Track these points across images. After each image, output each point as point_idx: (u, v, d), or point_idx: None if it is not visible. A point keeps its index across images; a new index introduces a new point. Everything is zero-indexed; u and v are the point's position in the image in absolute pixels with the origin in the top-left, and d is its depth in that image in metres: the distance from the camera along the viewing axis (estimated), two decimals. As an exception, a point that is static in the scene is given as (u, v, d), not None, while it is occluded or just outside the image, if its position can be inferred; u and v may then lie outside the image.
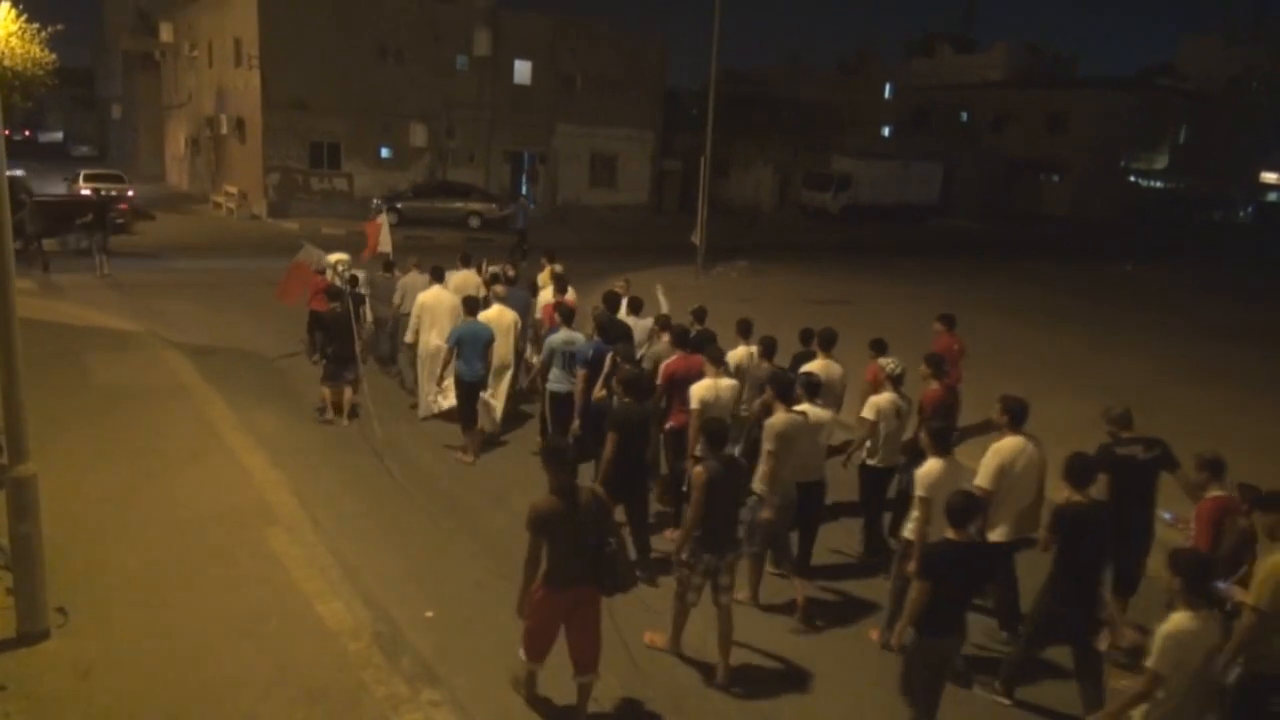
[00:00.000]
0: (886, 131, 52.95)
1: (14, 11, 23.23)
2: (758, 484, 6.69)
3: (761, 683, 6.12)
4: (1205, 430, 10.24)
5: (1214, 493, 5.86)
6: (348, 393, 10.70)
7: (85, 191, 29.27)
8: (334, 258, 12.82)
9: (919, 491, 6.01)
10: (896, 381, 7.55)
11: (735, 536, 6.20)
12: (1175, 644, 4.33)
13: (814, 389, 7.14)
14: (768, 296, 15.56)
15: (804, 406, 6.95)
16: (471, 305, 9.86)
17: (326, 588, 6.81)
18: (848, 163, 44.44)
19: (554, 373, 9.05)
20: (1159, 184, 51.48)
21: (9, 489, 5.76)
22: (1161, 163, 52.82)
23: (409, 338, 10.77)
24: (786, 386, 6.90)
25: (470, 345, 9.49)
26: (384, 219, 14.19)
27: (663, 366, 8.21)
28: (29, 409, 5.77)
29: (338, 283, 11.89)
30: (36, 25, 24.09)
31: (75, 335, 13.62)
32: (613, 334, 8.94)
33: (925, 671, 5.20)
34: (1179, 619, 4.36)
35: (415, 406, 11.03)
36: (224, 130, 35.27)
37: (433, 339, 10.42)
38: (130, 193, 28.52)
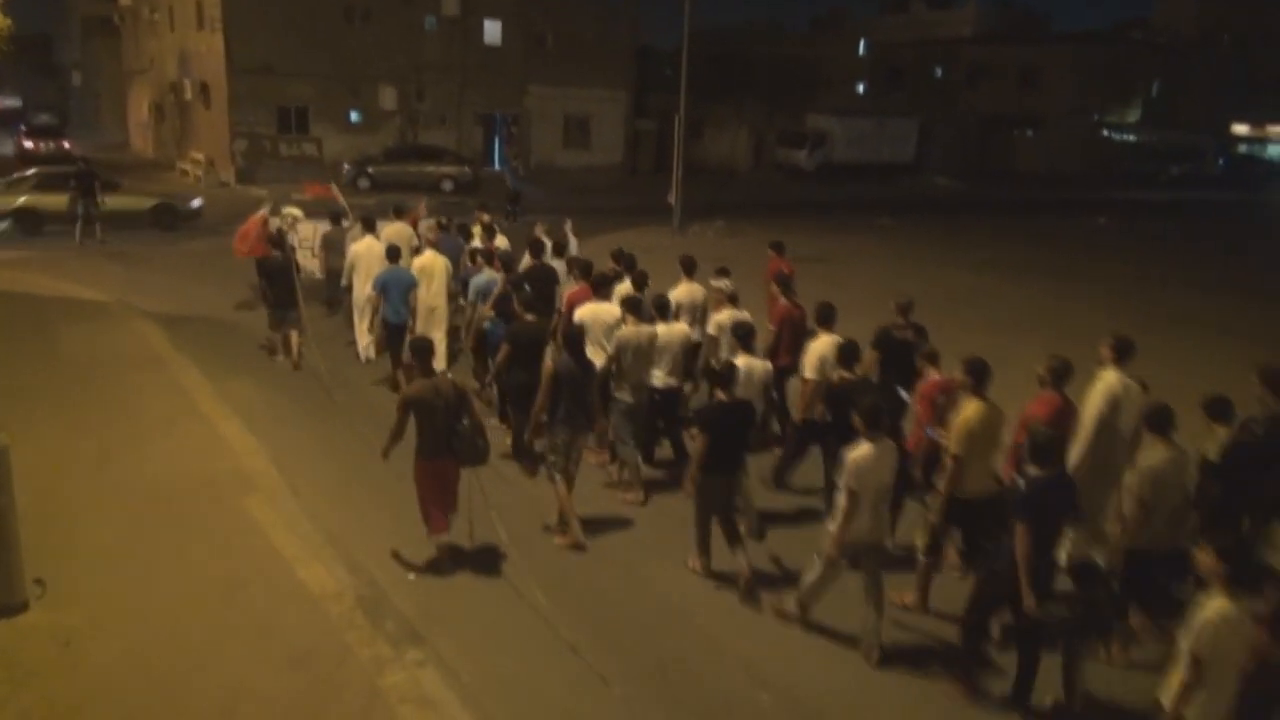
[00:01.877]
0: (861, 89, 52.71)
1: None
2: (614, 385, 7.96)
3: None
4: (1178, 377, 10.39)
5: (933, 376, 6.92)
6: (293, 335, 11.25)
7: (27, 145, 29.16)
8: (286, 210, 13.54)
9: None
10: (733, 300, 8.61)
11: (587, 420, 7.34)
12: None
13: (663, 309, 8.32)
14: (744, 255, 15.50)
15: (659, 325, 8.12)
16: (394, 253, 10.53)
17: (307, 552, 6.81)
18: (822, 120, 44.21)
19: (480, 311, 9.70)
20: (1131, 138, 51.58)
21: (-19, 461, 5.69)
22: (1134, 116, 52.92)
23: (344, 283, 11.47)
24: (634, 304, 8.05)
25: (394, 290, 10.09)
26: (333, 186, 15.09)
27: (566, 295, 9.28)
28: (0, 379, 5.69)
29: (285, 234, 12.39)
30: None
31: (44, 306, 13.43)
32: (534, 275, 9.81)
33: (707, 500, 6.61)
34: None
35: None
36: (188, 96, 34.53)
37: (362, 286, 11.01)
38: (67, 145, 28.42)
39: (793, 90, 45.09)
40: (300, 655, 5.58)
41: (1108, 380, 6.42)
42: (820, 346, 7.65)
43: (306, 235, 13.43)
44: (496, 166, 36.40)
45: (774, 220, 27.22)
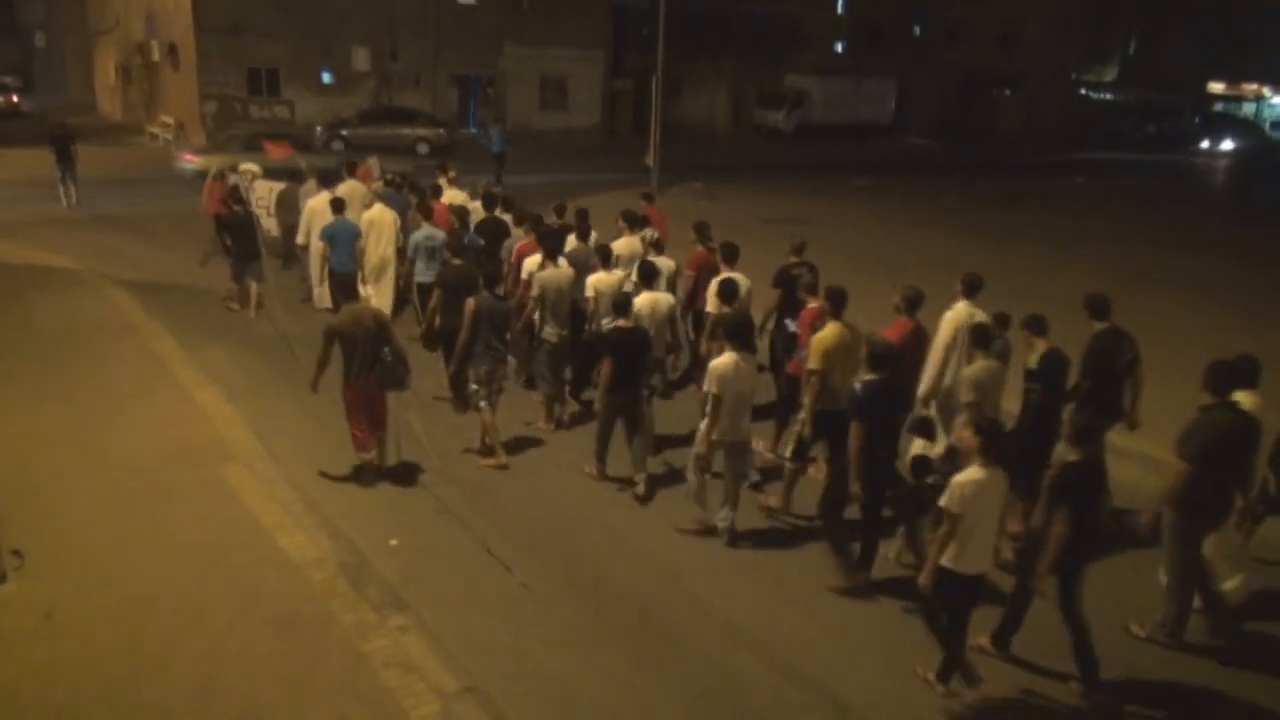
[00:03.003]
0: (840, 48, 52.25)
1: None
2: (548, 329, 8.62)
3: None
4: (1162, 335, 10.50)
5: (812, 304, 7.66)
6: (254, 286, 11.84)
7: None
8: (244, 167, 13.80)
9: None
10: (658, 248, 9.53)
11: (504, 356, 8.08)
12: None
13: (605, 258, 8.88)
14: (724, 217, 15.46)
15: (600, 272, 8.69)
16: (338, 205, 10.98)
17: (289, 520, 6.81)
18: (801, 81, 43.87)
19: (419, 265, 10.25)
20: (1108, 96, 51.60)
21: (-47, 432, 5.63)
22: (1111, 75, 52.92)
23: (300, 239, 11.77)
24: (550, 247, 8.78)
25: (340, 240, 10.69)
26: (289, 145, 15.97)
27: (516, 247, 9.78)
28: (-32, 350, 5.62)
29: (243, 190, 12.79)
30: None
31: (14, 274, 13.21)
32: (486, 228, 10.54)
33: (610, 414, 7.55)
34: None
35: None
36: (156, 57, 33.79)
37: (318, 240, 11.20)
38: (15, 99, 28.47)
39: (772, 49, 44.65)
40: (283, 622, 5.61)
41: (957, 311, 7.34)
42: (716, 285, 8.32)
43: (262, 195, 13.37)
44: (472, 129, 35.93)
45: (752, 182, 27.14)
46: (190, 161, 21.93)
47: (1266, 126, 53.48)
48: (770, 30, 44.92)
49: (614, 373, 7.34)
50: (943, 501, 5.11)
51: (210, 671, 5.15)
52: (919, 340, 7.30)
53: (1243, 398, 5.92)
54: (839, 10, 52.99)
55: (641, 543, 6.98)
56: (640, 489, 7.55)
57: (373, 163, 14.31)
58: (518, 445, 8.45)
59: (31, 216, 17.86)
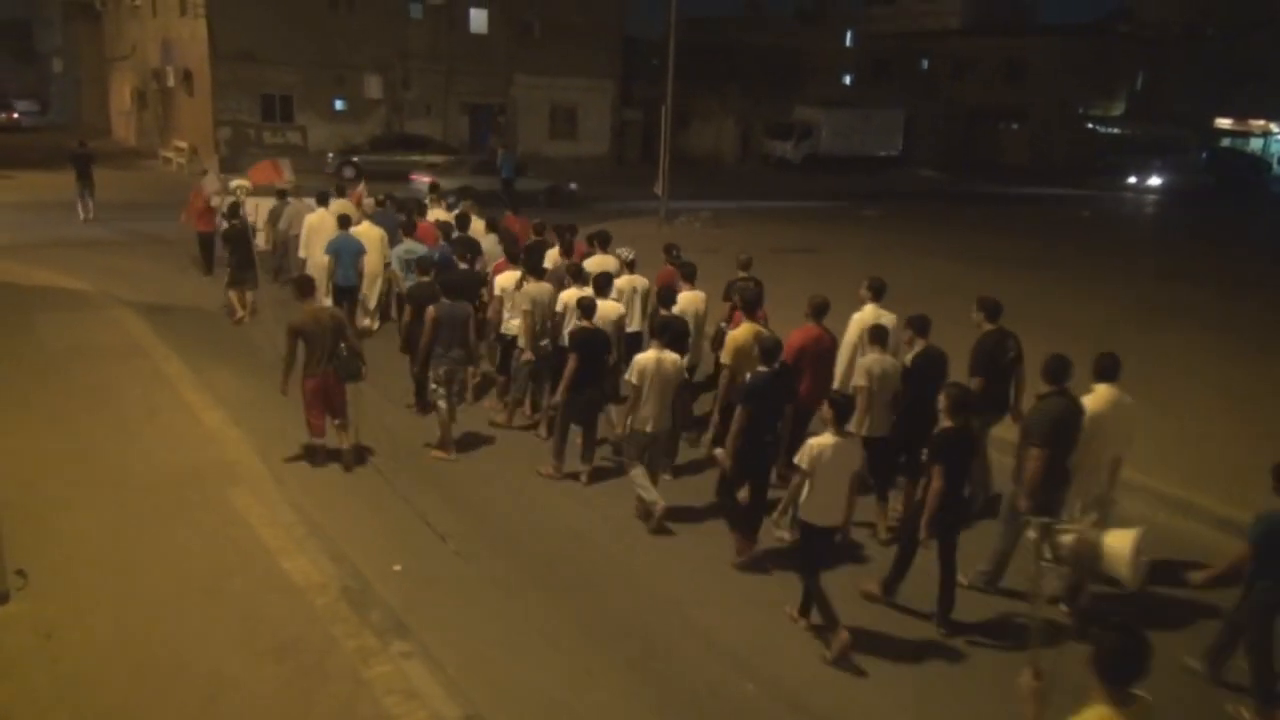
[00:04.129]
0: (848, 80, 52.67)
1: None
2: (521, 340, 9.01)
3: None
4: (1162, 371, 10.49)
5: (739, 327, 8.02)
6: (249, 295, 12.67)
7: None
8: (236, 183, 15.02)
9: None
10: (630, 266, 9.91)
11: (466, 358, 8.65)
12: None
13: (578, 276, 9.27)
14: (731, 246, 15.46)
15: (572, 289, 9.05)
16: (344, 221, 11.78)
17: (292, 544, 6.78)
18: (809, 112, 44.16)
19: (400, 276, 11.05)
20: (1116, 130, 51.80)
21: (-40, 451, 5.64)
22: (1119, 109, 53.13)
23: (301, 253, 12.48)
24: (530, 264, 9.22)
25: (345, 254, 11.38)
26: (280, 163, 16.09)
27: (493, 266, 10.32)
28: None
29: (240, 203, 13.72)
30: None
31: (25, 295, 13.28)
32: (460, 245, 10.87)
33: (570, 412, 8.11)
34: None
35: None
36: (171, 83, 34.19)
37: (318, 254, 11.95)
38: (15, 115, 29.57)
39: (779, 81, 45.01)
40: (284, 646, 5.56)
41: (864, 313, 8.07)
42: (683, 299, 8.98)
43: (249, 211, 14.13)
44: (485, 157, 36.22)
45: (760, 212, 27.25)
46: (422, 182, 23.88)
47: (1276, 162, 53.53)
48: (778, 62, 45.34)
49: (577, 370, 7.84)
50: (796, 459, 5.89)
51: (210, 695, 5.11)
52: (821, 343, 7.90)
53: (1104, 390, 6.51)
54: (847, 43, 53.50)
55: (642, 570, 6.93)
56: (585, 479, 8.23)
57: (363, 187, 15.40)
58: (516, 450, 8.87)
59: (43, 238, 18.00)
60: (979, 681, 5.83)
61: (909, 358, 7.53)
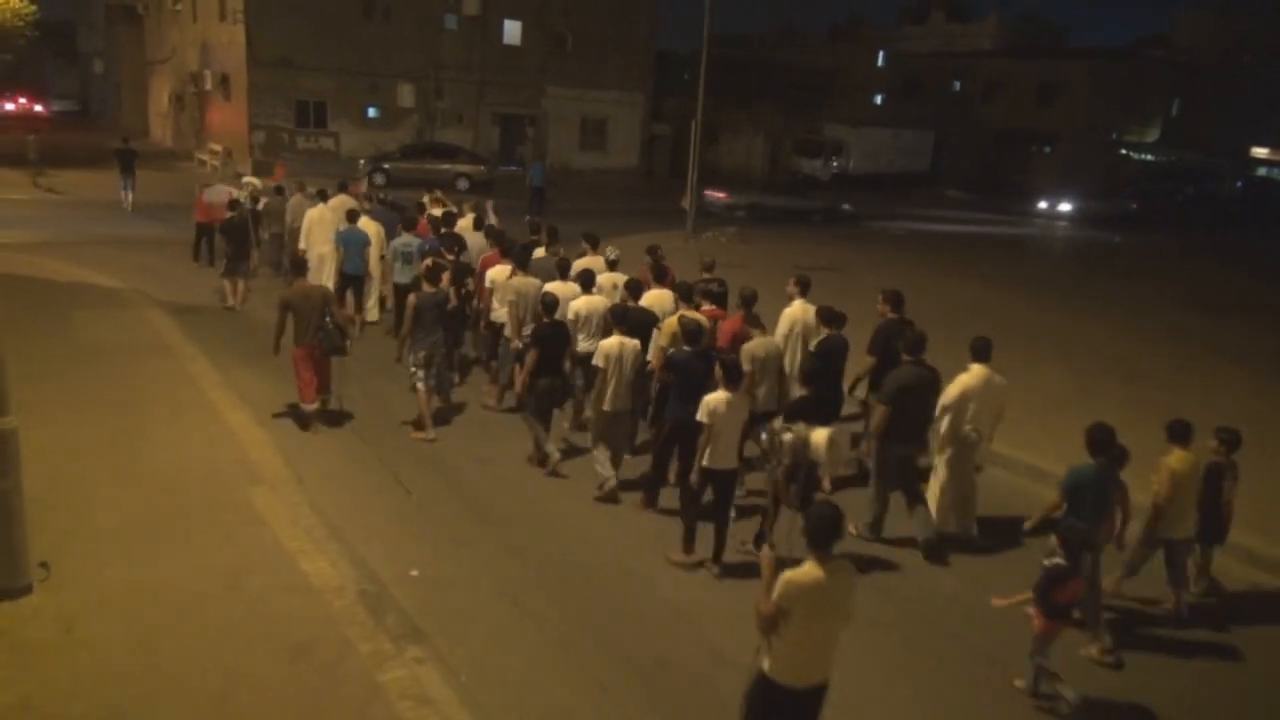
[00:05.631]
0: (878, 99, 52.57)
1: (-8, -37, 22.85)
2: (508, 329, 9.70)
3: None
4: (1188, 399, 10.35)
5: (705, 307, 9.06)
6: (241, 284, 13.47)
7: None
8: (246, 180, 16.16)
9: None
10: (613, 265, 10.49)
11: (442, 343, 9.35)
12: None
13: (564, 270, 9.83)
14: (757, 262, 15.50)
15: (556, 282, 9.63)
16: (352, 215, 12.60)
17: (311, 545, 6.82)
18: (839, 130, 44.11)
19: (396, 266, 11.85)
20: (1148, 156, 51.29)
21: (-11, 443, 5.72)
22: (1153, 135, 52.63)
23: (301, 245, 13.14)
24: (519, 259, 9.92)
25: (351, 245, 12.27)
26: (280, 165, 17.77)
27: (481, 259, 11.06)
28: (10, 363, 5.71)
29: (243, 199, 14.66)
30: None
31: (60, 291, 13.50)
32: (447, 239, 11.61)
33: (536, 399, 8.59)
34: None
35: None
36: (208, 86, 34.69)
37: (317, 246, 12.89)
38: (38, 108, 31.48)
39: (810, 99, 45.00)
40: (300, 647, 5.59)
41: (793, 308, 9.00)
42: (649, 296, 9.61)
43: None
44: (513, 167, 36.50)
45: (788, 228, 27.21)
46: (717, 198, 27.82)
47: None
48: (809, 80, 45.32)
49: (538, 360, 8.43)
50: (699, 416, 6.72)
51: (225, 693, 5.14)
52: (747, 331, 8.51)
53: (978, 369, 7.57)
54: (879, 63, 53.43)
55: (658, 583, 6.91)
56: (555, 457, 8.68)
57: (364, 183, 16.63)
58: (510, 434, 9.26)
59: (82, 236, 18.30)
60: (976, 681, 5.77)
61: (813, 345, 8.57)
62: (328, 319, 8.87)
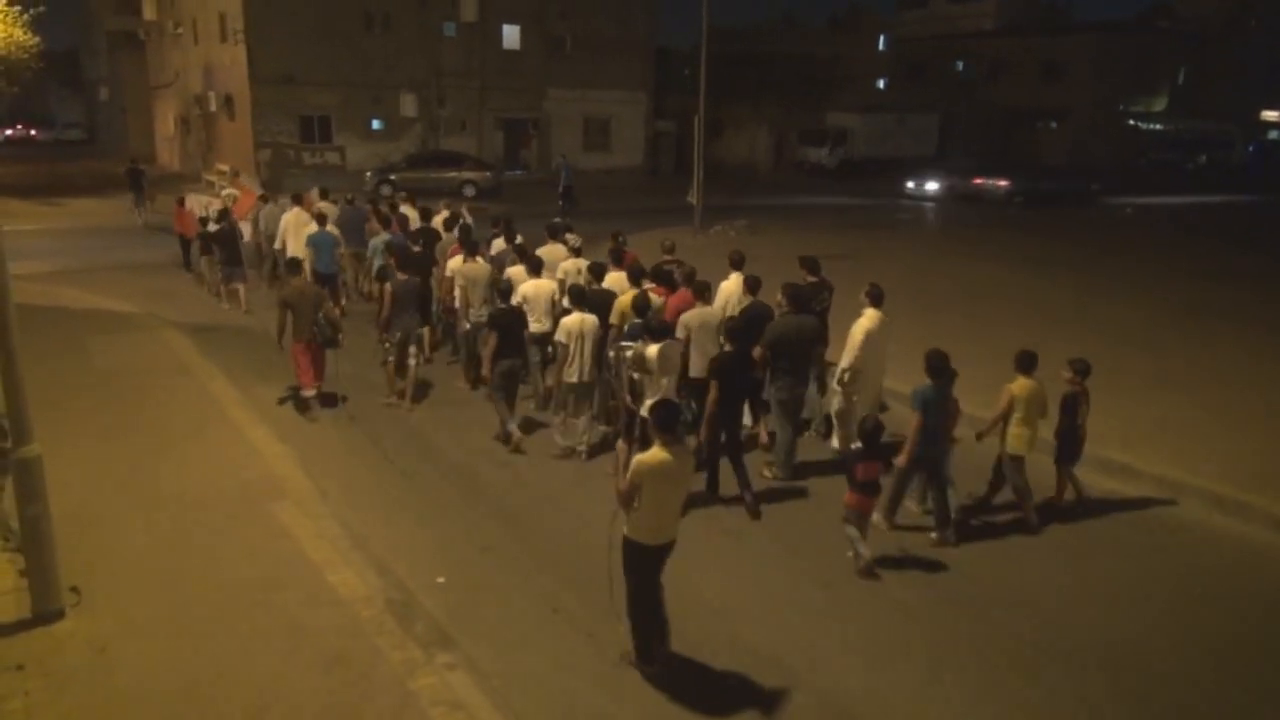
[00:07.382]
0: (881, 84, 52.37)
1: (-6, -5, 23.04)
2: (469, 311, 10.42)
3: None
4: (1207, 372, 10.25)
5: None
6: (241, 289, 14.39)
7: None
8: (227, 192, 17.85)
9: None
10: (577, 252, 11.22)
11: (418, 324, 10.53)
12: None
13: (523, 255, 10.67)
14: (767, 254, 15.43)
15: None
16: (321, 220, 13.69)
17: (337, 557, 6.84)
18: (843, 117, 43.99)
19: (376, 261, 12.73)
20: (1158, 126, 50.86)
21: (15, 471, 5.76)
22: (1160, 105, 52.21)
23: (278, 245, 14.61)
24: (471, 247, 10.72)
25: (323, 247, 13.28)
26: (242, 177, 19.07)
27: (448, 250, 11.78)
28: (31, 392, 5.75)
29: (230, 210, 15.87)
30: (18, 8, 23.81)
31: (75, 319, 13.60)
32: (419, 233, 12.90)
33: (500, 379, 9.05)
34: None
35: None
36: (213, 108, 34.94)
37: (293, 247, 13.88)
38: (32, 132, 32.31)
39: (812, 88, 44.87)
40: (331, 659, 5.61)
41: (730, 280, 9.71)
42: (610, 278, 10.00)
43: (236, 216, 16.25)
44: (518, 171, 36.58)
45: (797, 219, 27.12)
46: (998, 185, 30.32)
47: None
48: (811, 70, 45.18)
49: (499, 343, 8.91)
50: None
51: (259, 709, 5.16)
52: (693, 305, 9.06)
53: (872, 313, 8.62)
54: (880, 48, 53.20)
55: (691, 581, 6.89)
56: (516, 435, 9.14)
57: (315, 193, 17.17)
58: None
59: (93, 263, 18.44)
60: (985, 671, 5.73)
61: (735, 310, 9.28)
62: (321, 315, 9.66)
